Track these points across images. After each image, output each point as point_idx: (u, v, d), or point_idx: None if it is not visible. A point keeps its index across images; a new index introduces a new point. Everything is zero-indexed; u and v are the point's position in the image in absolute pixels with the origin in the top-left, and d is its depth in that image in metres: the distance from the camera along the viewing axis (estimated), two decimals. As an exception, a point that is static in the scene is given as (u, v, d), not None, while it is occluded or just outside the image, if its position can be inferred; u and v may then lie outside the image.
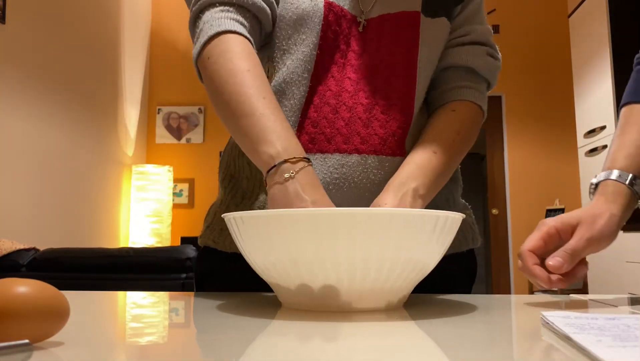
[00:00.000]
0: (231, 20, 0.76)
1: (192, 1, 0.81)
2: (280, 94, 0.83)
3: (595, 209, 0.71)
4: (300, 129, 0.81)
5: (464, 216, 0.64)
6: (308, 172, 0.67)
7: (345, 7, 0.84)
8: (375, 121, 0.82)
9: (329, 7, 0.83)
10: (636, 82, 0.83)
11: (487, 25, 0.93)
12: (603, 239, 0.68)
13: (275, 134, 0.68)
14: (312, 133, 0.81)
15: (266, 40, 0.86)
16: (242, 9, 0.78)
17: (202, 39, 0.76)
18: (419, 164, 0.78)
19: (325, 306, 0.60)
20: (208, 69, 0.75)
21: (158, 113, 5.22)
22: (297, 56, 0.83)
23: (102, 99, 4.45)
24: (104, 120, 4.46)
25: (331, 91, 0.82)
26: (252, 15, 0.80)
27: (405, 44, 0.84)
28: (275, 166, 0.67)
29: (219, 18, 0.76)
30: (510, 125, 5.13)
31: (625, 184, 0.74)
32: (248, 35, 0.77)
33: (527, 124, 5.11)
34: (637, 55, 0.85)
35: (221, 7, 0.77)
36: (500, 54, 0.93)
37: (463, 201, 0.97)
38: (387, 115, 0.82)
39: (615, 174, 0.75)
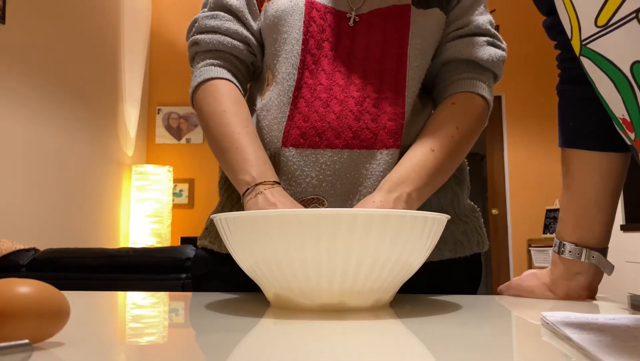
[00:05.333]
0: (209, 67, 0.88)
1: (188, 44, 0.92)
2: (272, 94, 0.85)
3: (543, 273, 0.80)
4: (291, 124, 0.81)
5: (448, 217, 0.64)
6: (278, 189, 0.75)
7: (330, 5, 0.85)
8: (366, 114, 0.81)
9: (310, 4, 0.84)
10: (566, 124, 0.76)
11: (487, 15, 0.90)
12: (523, 291, 0.81)
13: (249, 164, 0.78)
14: (303, 128, 0.81)
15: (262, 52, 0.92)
16: (217, 52, 0.89)
17: (191, 90, 0.89)
18: (416, 163, 0.78)
19: (309, 305, 0.60)
20: (198, 112, 0.87)
21: (158, 113, 5.22)
22: (284, 55, 0.84)
23: (102, 99, 4.45)
24: (104, 120, 4.46)
25: (322, 85, 0.82)
26: (229, 55, 0.89)
27: (396, 36, 0.84)
28: (249, 188, 0.76)
29: (200, 68, 0.88)
30: (510, 125, 5.13)
31: (580, 260, 0.74)
32: (227, 76, 0.87)
33: (527, 124, 5.11)
34: (557, 87, 0.78)
35: (202, 57, 0.89)
36: (504, 43, 0.90)
37: (471, 203, 0.95)
38: (378, 108, 0.82)
39: (567, 250, 0.75)
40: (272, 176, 0.77)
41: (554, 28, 0.75)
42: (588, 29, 0.55)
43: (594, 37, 0.55)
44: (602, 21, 0.53)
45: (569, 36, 0.60)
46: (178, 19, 5.33)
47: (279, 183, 0.77)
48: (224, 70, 0.88)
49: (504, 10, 5.10)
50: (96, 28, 4.37)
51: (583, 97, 0.73)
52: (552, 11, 0.74)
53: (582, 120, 0.74)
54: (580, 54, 0.59)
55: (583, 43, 0.57)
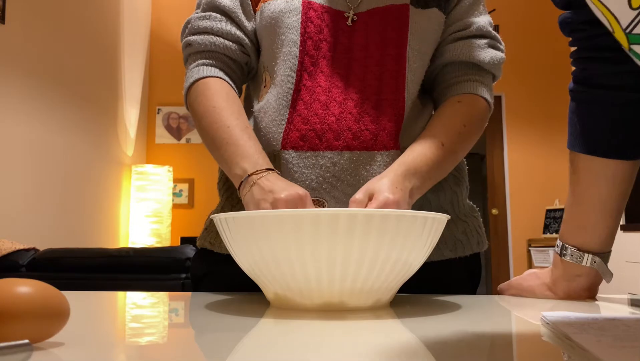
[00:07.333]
0: (201, 67, 0.88)
1: (182, 46, 0.93)
2: (270, 96, 0.84)
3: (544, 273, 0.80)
4: (290, 127, 0.81)
5: (448, 217, 0.64)
6: (270, 177, 0.74)
7: (327, 4, 0.85)
8: (366, 115, 0.81)
9: (307, 4, 0.84)
10: (575, 126, 0.74)
11: (486, 15, 0.90)
12: (523, 290, 0.81)
13: (240, 156, 0.77)
14: (302, 130, 0.81)
15: (259, 52, 0.91)
16: (210, 52, 0.88)
17: (184, 91, 0.90)
18: (429, 157, 0.78)
19: (309, 305, 0.61)
20: (191, 112, 0.88)
21: (158, 113, 5.22)
22: (281, 57, 0.84)
23: (102, 99, 4.45)
24: (104, 120, 4.46)
25: (321, 87, 0.82)
26: (222, 55, 0.89)
27: (394, 37, 0.83)
28: (243, 181, 0.76)
29: (192, 68, 0.89)
30: (510, 125, 5.13)
31: (581, 265, 0.74)
32: (219, 74, 0.87)
33: (527, 124, 5.11)
34: (570, 85, 0.76)
35: (194, 57, 0.89)
36: (502, 44, 0.90)
37: (470, 203, 0.96)
38: (378, 110, 0.82)
39: (568, 253, 0.75)
40: (264, 164, 0.76)
41: (570, 24, 0.72)
42: (625, 16, 0.52)
43: (636, 22, 0.53)
44: (636, 3, 0.51)
45: (610, 31, 0.56)
46: (178, 19, 5.32)
47: (272, 170, 0.76)
48: (215, 69, 0.87)
49: (504, 10, 5.09)
50: (96, 28, 4.37)
51: (594, 101, 0.71)
52: (569, 6, 0.72)
53: (591, 124, 0.72)
54: (630, 44, 0.55)
55: (627, 31, 0.54)
